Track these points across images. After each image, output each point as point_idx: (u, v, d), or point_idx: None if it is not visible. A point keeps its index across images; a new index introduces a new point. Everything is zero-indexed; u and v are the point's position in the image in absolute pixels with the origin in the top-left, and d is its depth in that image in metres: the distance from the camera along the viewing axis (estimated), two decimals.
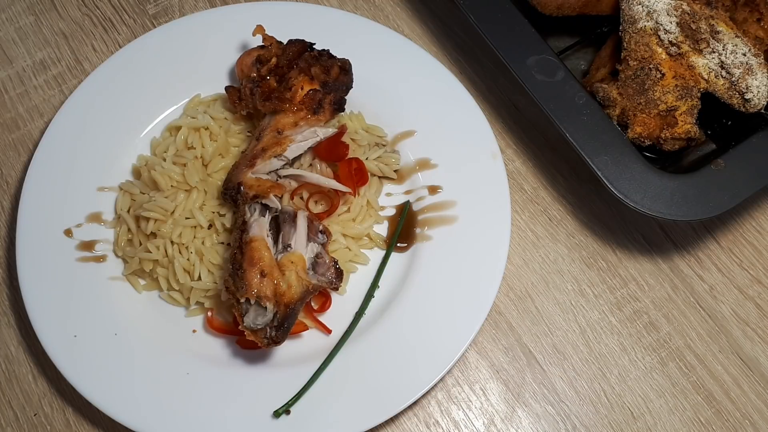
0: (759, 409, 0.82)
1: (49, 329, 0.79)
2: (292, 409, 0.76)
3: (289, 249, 0.78)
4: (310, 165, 0.86)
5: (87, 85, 0.90)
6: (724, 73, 0.83)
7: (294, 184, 0.84)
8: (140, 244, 0.84)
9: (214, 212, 0.84)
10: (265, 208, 0.80)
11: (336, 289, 0.80)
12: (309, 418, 0.76)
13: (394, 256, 0.85)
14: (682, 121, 0.83)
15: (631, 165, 0.80)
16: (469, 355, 0.84)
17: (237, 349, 0.80)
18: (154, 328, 0.81)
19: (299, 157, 0.85)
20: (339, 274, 0.79)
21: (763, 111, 0.83)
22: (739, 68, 0.82)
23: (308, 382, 0.78)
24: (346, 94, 0.88)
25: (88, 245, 0.84)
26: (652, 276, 0.88)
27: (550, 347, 0.84)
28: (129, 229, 0.84)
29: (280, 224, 0.80)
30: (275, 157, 0.82)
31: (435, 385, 0.78)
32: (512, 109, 0.96)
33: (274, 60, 0.87)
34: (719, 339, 0.85)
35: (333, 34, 0.92)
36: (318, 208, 0.85)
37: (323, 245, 0.80)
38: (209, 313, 0.82)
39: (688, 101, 0.83)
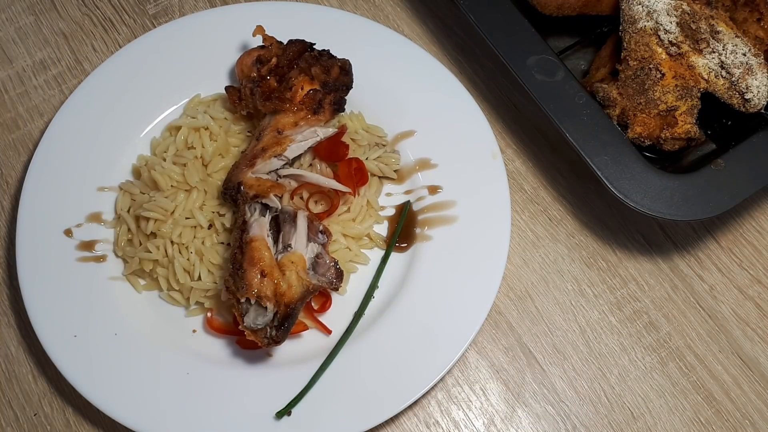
0: (759, 409, 0.82)
1: (49, 329, 0.79)
2: (292, 409, 0.76)
3: (289, 249, 0.78)
4: (310, 165, 0.86)
5: (87, 85, 0.90)
6: (724, 73, 0.83)
7: (294, 184, 0.84)
8: (140, 244, 0.84)
9: (214, 212, 0.84)
10: (266, 207, 0.80)
11: (336, 289, 0.80)
12: (309, 418, 0.76)
13: (394, 256, 0.85)
14: (682, 121, 0.83)
15: (631, 165, 0.80)
16: (469, 355, 0.84)
17: (237, 349, 0.80)
18: (154, 328, 0.81)
19: (299, 156, 0.85)
20: (339, 274, 0.79)
21: (763, 111, 0.83)
22: (739, 68, 0.82)
23: (309, 382, 0.77)
24: (346, 94, 0.88)
25: (88, 245, 0.84)
26: (652, 276, 0.88)
27: (550, 347, 0.84)
28: (129, 229, 0.84)
29: (280, 224, 0.80)
30: (275, 156, 0.82)
31: (435, 385, 0.78)
32: (512, 109, 0.96)
33: (274, 60, 0.87)
34: (719, 339, 0.85)
35: (333, 34, 0.92)
36: (318, 208, 0.85)
37: (323, 245, 0.80)
38: (209, 314, 0.82)
39: (688, 101, 0.83)
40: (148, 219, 0.83)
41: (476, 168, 0.87)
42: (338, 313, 0.82)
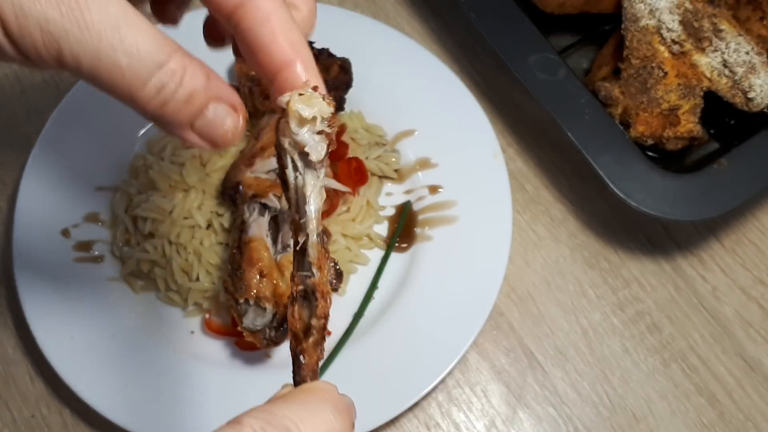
0: (762, 411, 0.81)
1: (47, 330, 0.78)
2: None
3: (288, 249, 0.77)
4: None
5: (84, 84, 0.89)
6: (727, 71, 0.82)
7: None
8: (138, 244, 0.83)
9: (212, 212, 0.83)
10: (264, 207, 0.80)
11: (336, 289, 0.80)
12: None
13: (394, 256, 0.84)
14: (684, 120, 0.82)
15: (633, 164, 0.80)
16: (470, 356, 0.83)
17: (236, 350, 0.80)
18: (151, 329, 0.81)
19: None
20: (339, 275, 0.78)
21: (766, 110, 0.83)
22: (742, 67, 0.81)
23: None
24: (345, 93, 0.87)
25: (85, 245, 0.83)
26: (655, 276, 0.87)
27: (552, 349, 0.84)
28: (126, 229, 0.84)
29: (279, 224, 0.80)
30: (274, 156, 0.82)
31: (435, 386, 0.77)
32: (513, 108, 0.95)
33: None
34: (722, 340, 0.84)
35: (332, 32, 0.91)
36: None
37: None
38: (207, 315, 0.81)
39: (690, 100, 0.82)
40: (145, 219, 0.82)
41: (477, 167, 0.86)
42: (338, 314, 0.82)
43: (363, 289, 0.83)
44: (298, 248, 0.45)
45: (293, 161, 0.45)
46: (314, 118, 0.43)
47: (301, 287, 0.46)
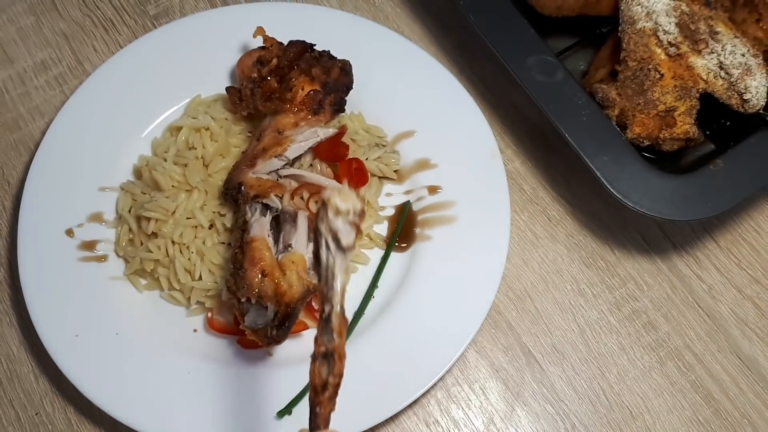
0: (757, 409, 0.82)
1: (51, 329, 0.79)
2: (293, 408, 0.77)
3: (289, 249, 0.78)
4: (311, 165, 0.87)
5: (88, 85, 0.90)
6: (722, 73, 0.83)
7: (294, 184, 0.84)
8: (141, 244, 0.84)
9: (214, 212, 0.84)
10: (266, 207, 0.80)
11: None
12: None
13: (394, 256, 0.85)
14: (681, 121, 0.83)
15: (630, 165, 0.80)
16: (469, 354, 0.84)
17: (238, 348, 0.81)
18: (155, 327, 0.81)
19: (300, 157, 0.85)
20: None
21: (761, 111, 0.83)
22: (737, 69, 0.82)
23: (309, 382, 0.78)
24: (346, 95, 0.88)
25: (89, 245, 0.84)
26: (651, 276, 0.88)
27: (550, 347, 0.85)
28: (130, 229, 0.85)
29: (280, 224, 0.80)
30: (276, 157, 0.83)
31: (435, 384, 0.78)
32: (511, 109, 0.96)
33: (274, 61, 0.87)
34: (718, 339, 0.85)
35: (333, 34, 0.92)
36: None
37: None
38: (210, 313, 0.82)
39: (687, 102, 0.83)
40: (149, 219, 0.83)
41: (476, 168, 0.87)
42: None
43: (363, 289, 0.84)
44: (323, 316, 0.54)
45: (327, 243, 0.54)
46: (348, 211, 0.54)
47: (323, 348, 0.54)
